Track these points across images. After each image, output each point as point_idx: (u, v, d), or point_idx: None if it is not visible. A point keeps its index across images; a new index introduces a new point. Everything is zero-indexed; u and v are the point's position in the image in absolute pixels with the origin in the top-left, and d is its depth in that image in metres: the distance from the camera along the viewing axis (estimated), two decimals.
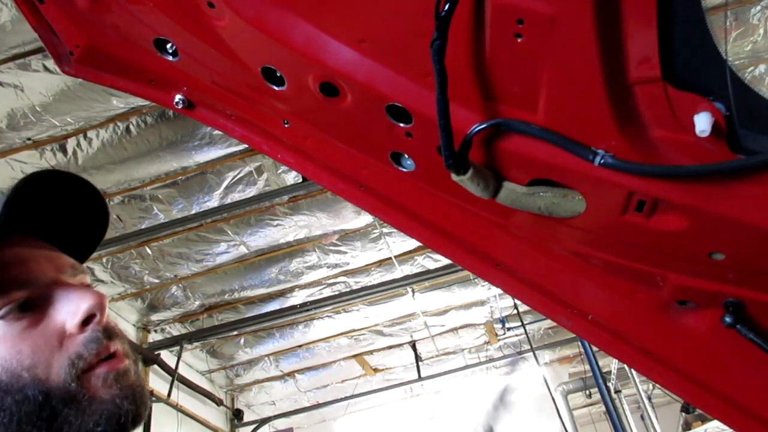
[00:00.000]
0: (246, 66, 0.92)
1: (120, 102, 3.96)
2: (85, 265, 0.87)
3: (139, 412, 0.75)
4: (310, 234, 5.56)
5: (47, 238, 0.83)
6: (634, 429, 7.23)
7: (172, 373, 6.44)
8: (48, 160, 4.25)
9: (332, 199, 5.14)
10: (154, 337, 6.54)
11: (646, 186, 0.72)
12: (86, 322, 0.73)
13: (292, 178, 4.85)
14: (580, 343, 6.06)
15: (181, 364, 6.60)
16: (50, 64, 3.56)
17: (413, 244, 5.86)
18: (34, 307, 0.72)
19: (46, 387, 0.69)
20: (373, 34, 0.77)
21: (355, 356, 7.86)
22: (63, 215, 0.86)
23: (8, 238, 0.76)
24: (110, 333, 0.76)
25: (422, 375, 7.87)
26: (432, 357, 8.13)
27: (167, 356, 6.52)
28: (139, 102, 3.99)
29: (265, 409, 8.51)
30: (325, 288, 6.43)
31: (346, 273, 6.25)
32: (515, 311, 6.82)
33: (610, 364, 7.81)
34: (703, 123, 0.64)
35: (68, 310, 0.73)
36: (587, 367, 5.00)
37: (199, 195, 4.87)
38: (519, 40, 0.67)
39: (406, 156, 0.93)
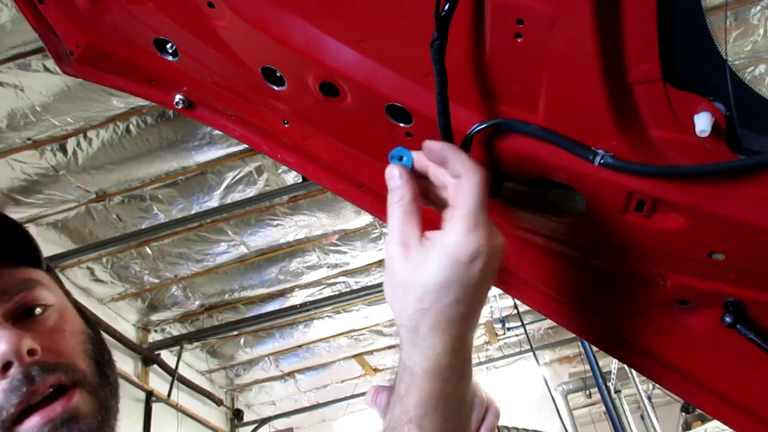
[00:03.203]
0: (246, 66, 0.92)
1: (120, 102, 3.96)
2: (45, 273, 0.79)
3: None
4: (310, 234, 5.56)
5: None
6: (634, 429, 7.24)
7: (172, 373, 6.45)
8: (48, 160, 4.25)
9: (332, 199, 5.14)
10: (154, 337, 6.55)
11: (646, 186, 0.72)
12: (6, 367, 0.65)
13: (292, 178, 4.85)
14: (580, 343, 6.06)
15: (181, 364, 6.61)
16: (50, 64, 3.56)
17: None
18: None
19: None
20: (373, 34, 0.77)
21: (355, 356, 7.87)
22: None
23: None
24: (33, 376, 0.65)
25: None
26: None
27: (167, 356, 6.53)
28: (139, 102, 3.99)
29: (265, 409, 8.51)
30: (325, 288, 6.43)
31: (346, 273, 6.25)
32: (515, 311, 6.82)
33: (610, 364, 7.81)
34: (703, 123, 0.64)
35: None
36: (587, 367, 5.00)
37: (199, 195, 4.87)
38: (519, 40, 0.68)
39: None
